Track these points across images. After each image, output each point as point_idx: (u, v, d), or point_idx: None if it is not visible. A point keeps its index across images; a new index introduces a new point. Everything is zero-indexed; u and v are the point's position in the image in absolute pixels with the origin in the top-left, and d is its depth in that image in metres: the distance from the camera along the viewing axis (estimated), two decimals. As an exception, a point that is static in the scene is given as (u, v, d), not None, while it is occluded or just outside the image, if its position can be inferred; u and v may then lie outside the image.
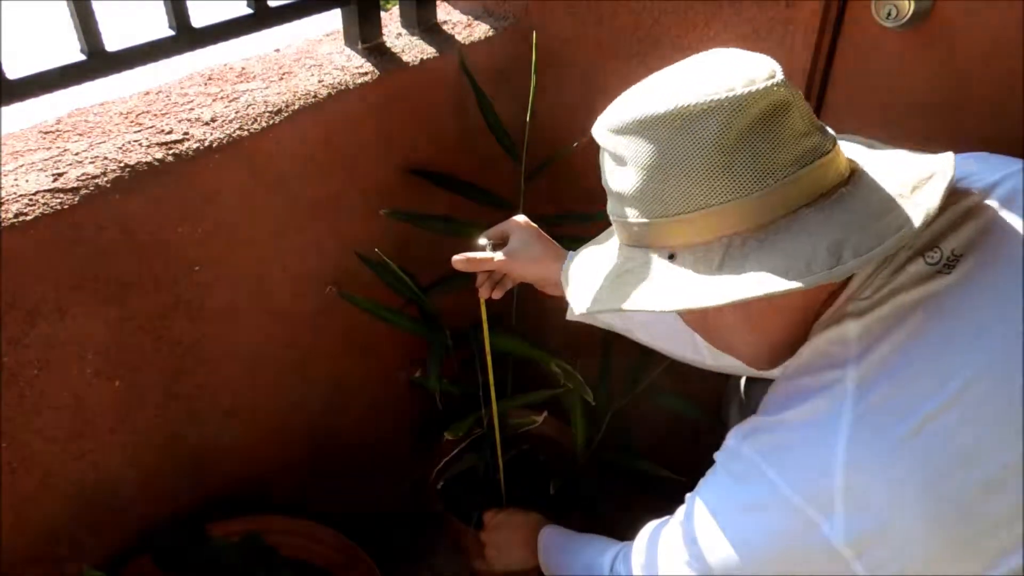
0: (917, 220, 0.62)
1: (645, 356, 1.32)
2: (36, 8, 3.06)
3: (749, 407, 1.10)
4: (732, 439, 0.72)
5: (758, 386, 1.09)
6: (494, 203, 1.23)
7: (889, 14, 0.93)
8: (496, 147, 1.20)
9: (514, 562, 1.20)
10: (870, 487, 0.60)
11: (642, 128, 0.66)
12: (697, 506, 0.74)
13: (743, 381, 1.14)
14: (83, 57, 0.88)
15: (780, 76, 0.64)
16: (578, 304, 0.78)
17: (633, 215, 0.69)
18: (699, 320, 0.78)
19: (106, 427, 1.03)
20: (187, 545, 1.08)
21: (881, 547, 0.60)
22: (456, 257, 1.02)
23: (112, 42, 0.89)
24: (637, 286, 0.69)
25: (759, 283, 0.62)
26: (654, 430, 1.51)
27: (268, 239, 1.09)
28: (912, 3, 0.91)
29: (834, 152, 0.66)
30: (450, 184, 1.23)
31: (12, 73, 0.83)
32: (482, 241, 1.04)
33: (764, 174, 0.63)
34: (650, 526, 0.87)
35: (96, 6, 0.87)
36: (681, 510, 0.78)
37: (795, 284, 0.60)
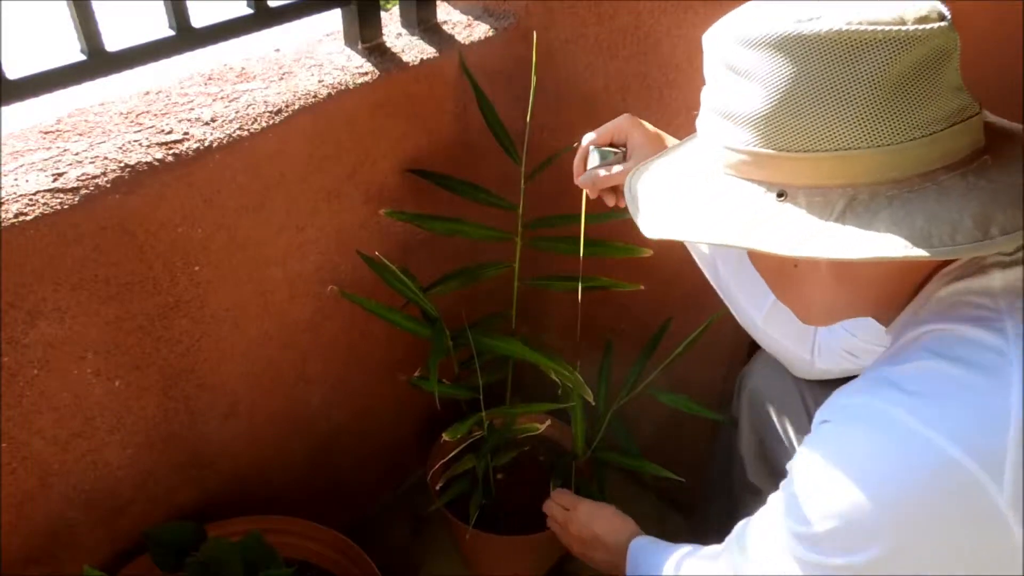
0: None
1: (645, 356, 1.32)
2: (36, 8, 3.06)
3: (814, 404, 1.08)
4: (849, 396, 0.64)
5: (817, 384, 1.08)
6: (494, 203, 1.23)
7: (889, 14, 0.92)
8: (496, 147, 1.20)
9: (598, 562, 1.12)
10: None
11: (787, 46, 0.59)
12: (802, 480, 0.64)
13: (764, 378, 1.13)
14: (83, 57, 0.88)
15: (949, 18, 0.58)
16: (668, 227, 0.69)
17: (745, 141, 0.63)
18: (778, 267, 0.71)
19: (106, 427, 1.03)
20: (187, 545, 1.08)
21: None
22: (582, 178, 0.95)
23: (112, 42, 0.89)
24: (746, 220, 0.63)
25: (905, 245, 0.56)
26: (654, 430, 1.51)
27: (268, 239, 1.09)
28: (912, 3, 0.91)
29: (980, 116, 0.61)
30: (450, 184, 1.23)
31: (12, 73, 0.83)
32: (595, 152, 0.93)
33: (913, 125, 0.58)
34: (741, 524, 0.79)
35: (96, 6, 0.87)
36: (775, 497, 0.70)
37: (945, 250, 0.56)
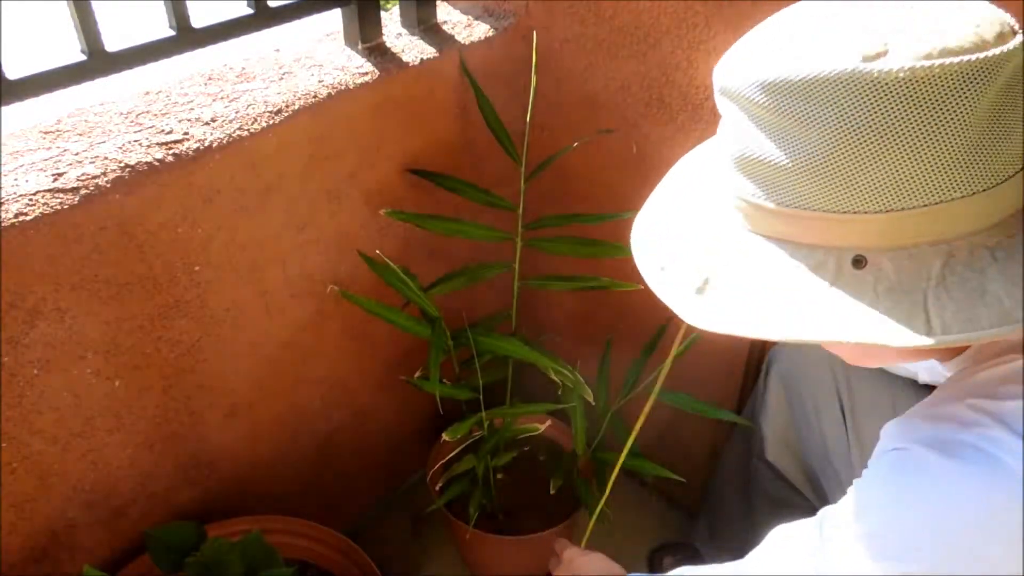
0: None
1: (645, 356, 1.32)
2: (36, 8, 3.06)
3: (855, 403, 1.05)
4: (943, 430, 0.56)
5: (864, 382, 1.04)
6: (494, 203, 1.23)
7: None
8: (496, 147, 1.20)
9: None
10: None
11: (853, 88, 0.48)
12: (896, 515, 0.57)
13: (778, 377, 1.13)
14: (83, 57, 0.88)
15: (1017, 26, 0.50)
16: (728, 320, 0.55)
17: (796, 201, 0.52)
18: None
19: (106, 427, 1.03)
20: (187, 545, 1.08)
21: None
22: None
23: (112, 42, 0.89)
24: (826, 302, 0.51)
25: None
26: (655, 430, 1.51)
27: (268, 239, 1.09)
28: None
29: None
30: (450, 184, 1.23)
31: (12, 73, 0.83)
32: None
33: (1006, 162, 0.50)
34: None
35: (96, 6, 0.87)
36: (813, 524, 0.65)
37: None
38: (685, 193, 0.66)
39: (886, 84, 0.47)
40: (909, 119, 0.48)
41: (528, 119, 1.19)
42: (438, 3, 1.27)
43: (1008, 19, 0.51)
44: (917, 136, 0.48)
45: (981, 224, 0.50)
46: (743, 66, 0.54)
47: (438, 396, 1.16)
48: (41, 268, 0.88)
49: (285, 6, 1.04)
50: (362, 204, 1.19)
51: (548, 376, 1.21)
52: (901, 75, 0.47)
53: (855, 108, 0.48)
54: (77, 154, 0.92)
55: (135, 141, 0.95)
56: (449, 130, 1.27)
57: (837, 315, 0.51)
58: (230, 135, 0.98)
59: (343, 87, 1.08)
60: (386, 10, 1.22)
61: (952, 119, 0.47)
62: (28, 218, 0.84)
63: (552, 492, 1.26)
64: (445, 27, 1.25)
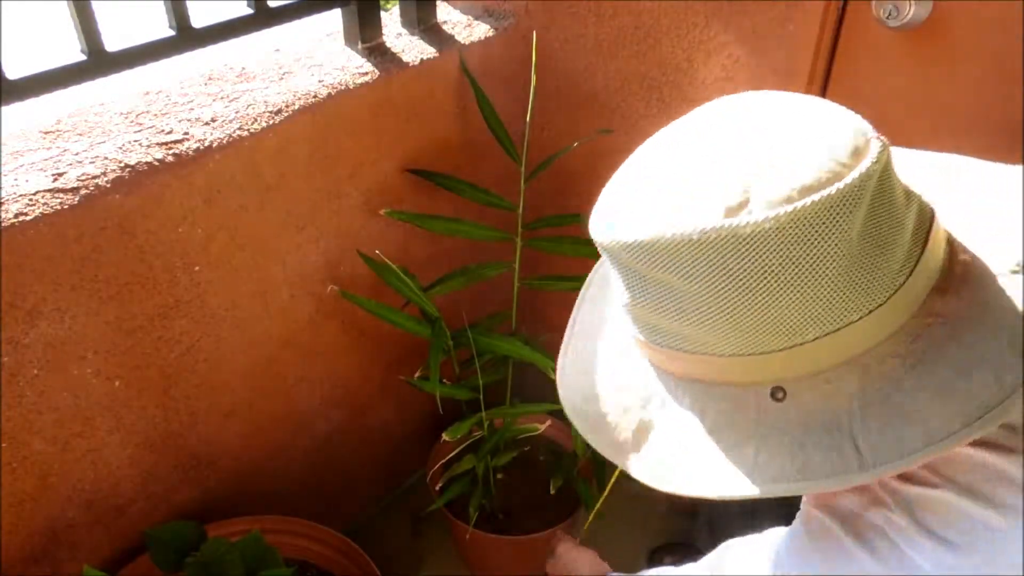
0: None
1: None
2: (36, 8, 3.06)
3: None
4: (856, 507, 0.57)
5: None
6: (494, 203, 1.23)
7: (889, 14, 0.93)
8: (496, 147, 1.20)
9: None
10: None
11: (728, 246, 0.47)
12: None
13: None
14: (83, 57, 0.88)
15: (870, 130, 0.50)
16: (672, 479, 0.55)
17: (700, 347, 0.52)
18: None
19: (106, 427, 1.03)
20: (187, 545, 1.08)
21: None
22: None
23: (112, 42, 0.89)
24: (755, 440, 0.52)
25: (966, 413, 0.47)
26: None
27: (268, 239, 1.09)
28: (912, 3, 0.91)
29: (933, 210, 0.52)
30: (450, 184, 1.23)
31: (12, 73, 0.83)
32: None
33: (895, 270, 0.49)
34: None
35: (96, 6, 0.87)
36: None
37: (1016, 401, 0.46)
38: (603, 333, 0.65)
39: (754, 236, 0.46)
40: (785, 262, 0.47)
41: (528, 119, 1.19)
42: (438, 3, 1.27)
43: (862, 127, 0.50)
44: (798, 276, 0.47)
45: (886, 333, 0.50)
46: (615, 229, 0.52)
47: (438, 396, 1.16)
48: (41, 268, 0.88)
49: (285, 6, 1.04)
50: (362, 204, 1.20)
51: (548, 376, 1.21)
52: (767, 225, 0.46)
53: (729, 261, 0.48)
54: (77, 154, 0.92)
55: (135, 141, 0.95)
56: (449, 130, 1.27)
57: (766, 473, 0.51)
58: (230, 135, 0.98)
59: (343, 87, 1.08)
60: (386, 10, 1.22)
61: (827, 252, 0.47)
62: (28, 218, 0.84)
63: (552, 492, 1.27)
64: (445, 27, 1.25)
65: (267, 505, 1.29)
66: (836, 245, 0.47)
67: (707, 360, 0.53)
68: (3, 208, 0.84)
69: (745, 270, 0.47)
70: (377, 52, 1.16)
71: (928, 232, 0.51)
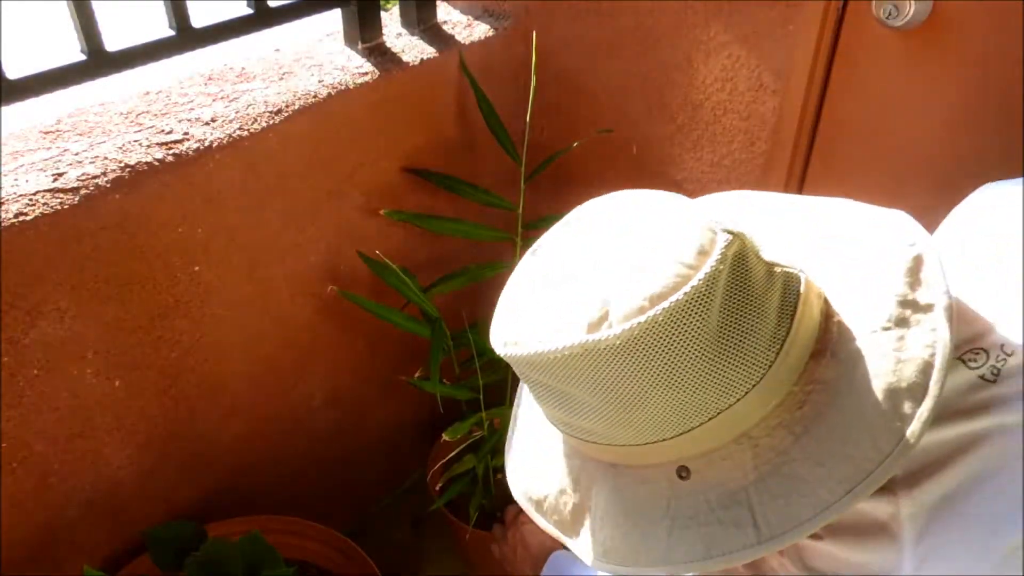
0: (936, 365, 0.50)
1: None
2: (36, 8, 3.06)
3: None
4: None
5: None
6: (494, 203, 1.23)
7: (889, 14, 0.93)
8: (496, 147, 1.20)
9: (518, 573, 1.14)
10: None
11: (577, 360, 0.51)
12: None
13: None
14: (83, 57, 0.88)
15: (722, 223, 0.52)
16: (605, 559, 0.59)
17: (602, 438, 0.56)
18: None
19: (106, 427, 1.03)
20: (187, 545, 1.08)
21: None
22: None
23: (112, 42, 0.89)
24: (670, 522, 0.54)
25: (868, 460, 0.49)
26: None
27: (268, 239, 1.09)
28: (912, 3, 0.91)
29: (800, 272, 0.55)
30: (450, 184, 1.23)
31: (12, 73, 0.83)
32: None
33: (771, 339, 0.52)
34: None
35: (96, 6, 0.87)
36: None
37: (892, 465, 0.49)
38: (535, 421, 0.68)
39: (617, 348, 0.49)
40: (646, 367, 0.50)
41: (528, 119, 1.19)
42: (438, 3, 1.27)
43: (710, 223, 0.52)
44: (662, 377, 0.50)
45: (771, 405, 0.52)
46: (507, 346, 0.56)
47: (438, 396, 1.16)
48: (41, 268, 0.88)
49: (285, 6, 1.04)
50: (362, 204, 1.20)
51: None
52: (623, 337, 0.49)
53: (599, 371, 0.51)
54: (77, 154, 0.92)
55: (135, 141, 0.95)
56: (449, 130, 1.27)
57: (677, 553, 0.54)
58: (230, 135, 0.98)
59: (343, 87, 1.08)
60: (386, 10, 1.22)
61: (686, 352, 0.49)
62: (28, 218, 0.84)
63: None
64: (445, 27, 1.25)
65: (267, 505, 1.29)
66: (693, 344, 0.49)
67: (614, 449, 0.56)
68: (3, 208, 0.84)
69: (613, 378, 0.51)
70: (377, 52, 1.16)
71: (796, 304, 0.53)
